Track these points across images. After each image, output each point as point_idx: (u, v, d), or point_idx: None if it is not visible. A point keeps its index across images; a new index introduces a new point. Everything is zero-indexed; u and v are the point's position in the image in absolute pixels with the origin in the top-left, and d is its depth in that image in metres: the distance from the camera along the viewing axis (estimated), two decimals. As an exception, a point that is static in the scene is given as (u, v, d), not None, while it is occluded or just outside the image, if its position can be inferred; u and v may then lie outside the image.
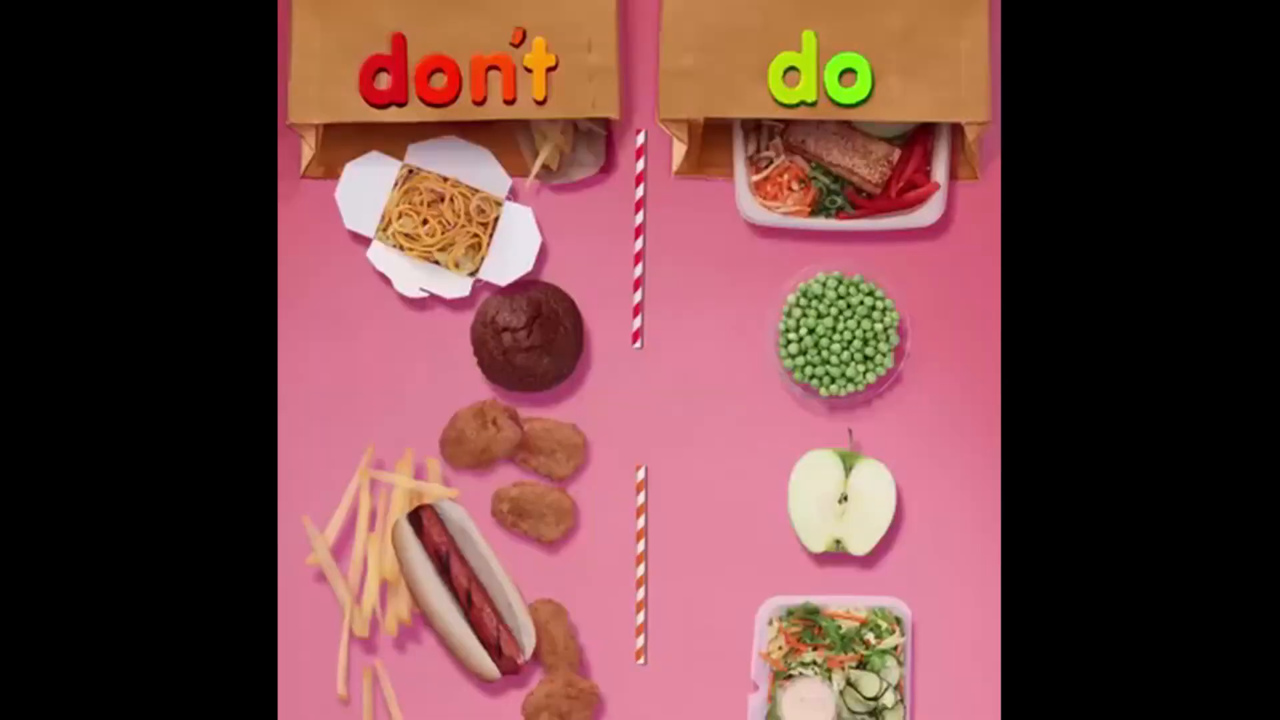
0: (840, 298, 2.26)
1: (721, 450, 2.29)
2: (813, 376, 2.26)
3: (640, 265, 2.32)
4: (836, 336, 2.25)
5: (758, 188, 2.28)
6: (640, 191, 2.33)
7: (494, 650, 2.25)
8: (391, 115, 2.25)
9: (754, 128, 2.29)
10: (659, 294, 2.32)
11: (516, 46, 2.25)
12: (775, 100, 2.23)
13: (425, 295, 2.30)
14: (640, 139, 2.33)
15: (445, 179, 2.31)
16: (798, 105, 2.23)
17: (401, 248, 2.30)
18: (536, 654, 2.27)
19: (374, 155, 2.31)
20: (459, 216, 2.30)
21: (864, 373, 2.25)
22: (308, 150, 2.31)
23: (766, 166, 2.29)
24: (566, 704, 2.25)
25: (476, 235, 2.30)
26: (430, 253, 2.30)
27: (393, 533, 2.25)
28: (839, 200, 2.28)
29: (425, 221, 2.30)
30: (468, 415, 2.26)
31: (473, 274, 2.30)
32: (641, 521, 2.29)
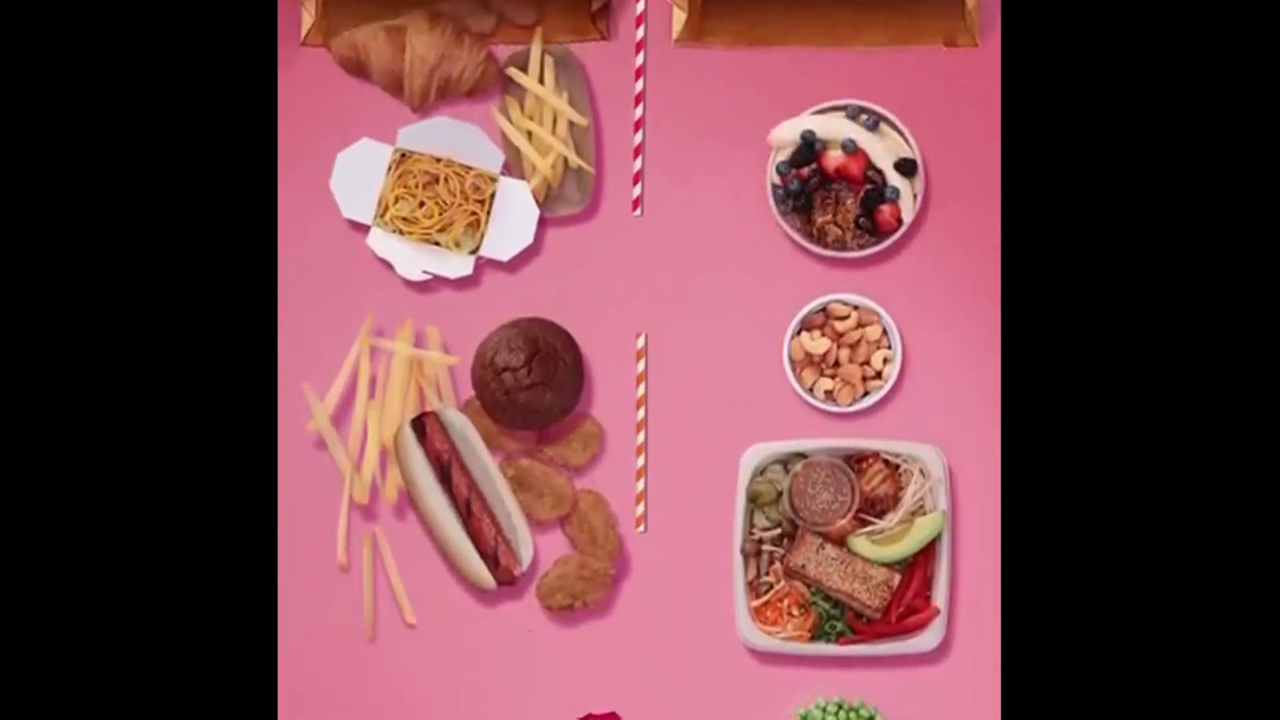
0: None
1: (722, 316, 2.30)
2: None
3: (640, 133, 2.32)
4: None
5: (757, 613, 2.26)
6: (640, 59, 2.32)
7: (491, 560, 2.26)
8: (391, -18, 2.25)
9: (754, 553, 2.27)
10: (659, 162, 2.32)
11: (517, -86, 2.25)
12: (775, -33, 2.23)
13: (429, 277, 2.30)
14: (640, 6, 2.32)
15: (438, 160, 2.30)
16: (798, -27, 2.23)
17: (400, 232, 2.30)
18: (574, 543, 2.28)
19: (365, 143, 2.30)
20: (455, 196, 2.29)
21: None
22: (308, 17, 2.31)
23: (766, 592, 2.26)
24: (580, 585, 2.26)
25: (474, 213, 2.29)
26: (430, 234, 2.30)
27: (395, 439, 2.26)
28: (839, 625, 2.26)
29: (422, 204, 2.29)
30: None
31: (474, 252, 2.30)
32: (641, 389, 2.29)
